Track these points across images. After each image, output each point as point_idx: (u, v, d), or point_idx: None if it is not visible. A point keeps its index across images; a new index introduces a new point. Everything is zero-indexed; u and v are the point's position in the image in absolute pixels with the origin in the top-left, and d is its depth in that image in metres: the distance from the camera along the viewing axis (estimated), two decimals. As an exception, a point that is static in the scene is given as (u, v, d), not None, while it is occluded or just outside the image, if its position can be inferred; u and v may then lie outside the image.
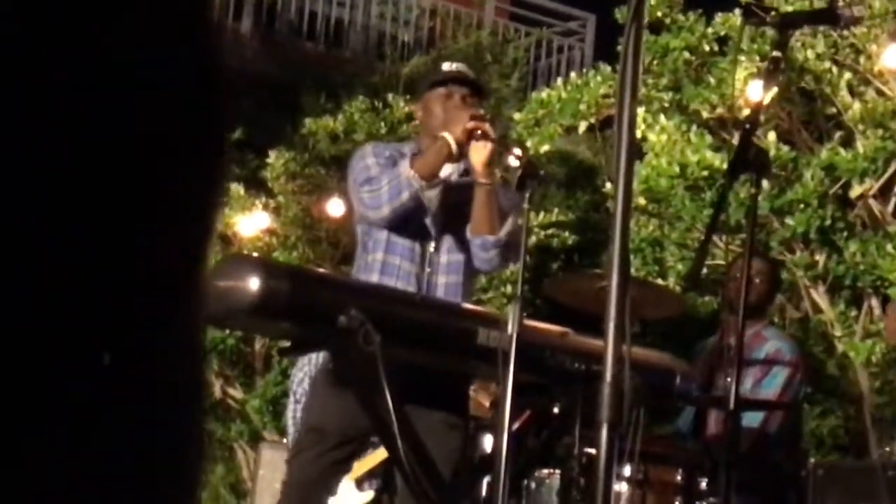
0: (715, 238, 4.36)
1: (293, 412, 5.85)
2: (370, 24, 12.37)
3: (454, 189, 3.99)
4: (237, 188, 8.65)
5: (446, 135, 3.86)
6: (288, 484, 3.96)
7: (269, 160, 8.79)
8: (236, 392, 8.85)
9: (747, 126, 3.04)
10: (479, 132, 3.84)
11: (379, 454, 4.90)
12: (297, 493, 3.92)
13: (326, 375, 4.01)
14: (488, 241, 3.89)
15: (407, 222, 3.93)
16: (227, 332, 8.07)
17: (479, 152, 3.86)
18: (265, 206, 8.61)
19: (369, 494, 5.13)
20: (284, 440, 6.89)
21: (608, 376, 2.43)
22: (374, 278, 3.93)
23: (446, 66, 4.25)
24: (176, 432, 0.62)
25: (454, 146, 3.85)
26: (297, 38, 12.01)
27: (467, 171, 4.03)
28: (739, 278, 5.12)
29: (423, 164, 3.88)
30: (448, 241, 4.00)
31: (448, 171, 3.99)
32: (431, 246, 3.99)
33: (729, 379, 3.16)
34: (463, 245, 3.98)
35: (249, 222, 8.47)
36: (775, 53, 3.02)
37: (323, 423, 3.90)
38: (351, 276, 4.24)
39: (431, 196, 3.88)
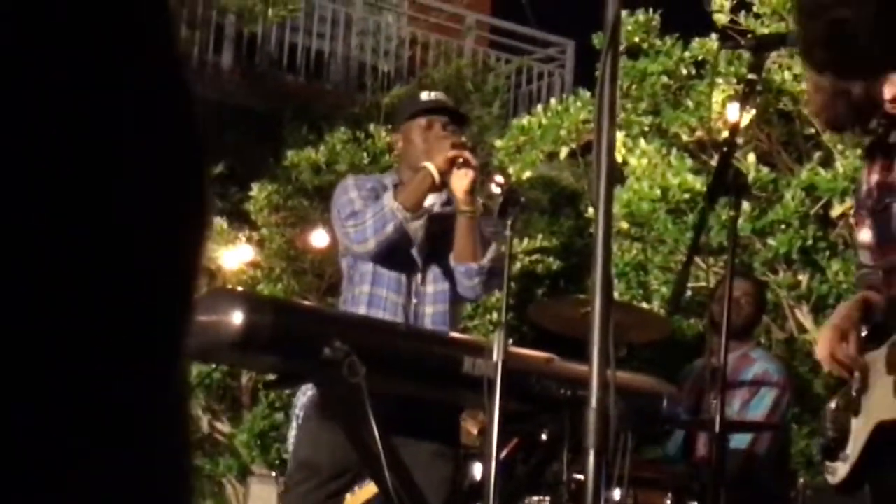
0: (698, 260, 4.36)
1: (295, 437, 5.81)
2: (350, 56, 12.40)
3: (438, 219, 3.99)
4: (220, 222, 8.63)
5: (429, 165, 3.86)
6: None
7: (252, 193, 8.79)
8: (224, 426, 8.81)
9: (725, 148, 3.05)
10: (461, 160, 3.85)
11: (371, 488, 4.87)
12: None
13: (316, 410, 4.00)
14: (472, 268, 3.90)
15: (393, 254, 3.94)
16: (213, 366, 8.04)
17: (461, 180, 3.87)
18: (249, 239, 8.60)
19: None
20: (273, 474, 6.86)
21: (593, 402, 2.43)
22: (362, 310, 3.93)
23: (425, 96, 4.26)
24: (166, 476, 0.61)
25: (436, 176, 3.86)
26: (277, 70, 12.03)
27: (450, 201, 4.04)
28: (724, 300, 5.15)
29: (407, 195, 3.88)
30: (433, 271, 4.01)
31: (431, 201, 4.00)
32: (418, 277, 3.99)
33: (715, 401, 3.16)
34: (448, 274, 3.99)
35: (233, 255, 8.45)
36: (751, 76, 3.04)
37: (314, 458, 3.89)
38: (337, 308, 4.24)
39: (416, 227, 3.89)
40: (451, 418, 4.03)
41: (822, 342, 2.85)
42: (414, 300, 3.96)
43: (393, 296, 3.95)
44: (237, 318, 3.30)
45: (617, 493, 4.20)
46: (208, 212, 0.62)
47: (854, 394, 2.93)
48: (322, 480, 3.82)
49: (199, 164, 0.61)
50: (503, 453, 3.72)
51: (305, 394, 5.63)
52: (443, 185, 3.94)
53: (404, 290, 3.97)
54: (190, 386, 0.66)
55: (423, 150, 3.97)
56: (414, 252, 3.97)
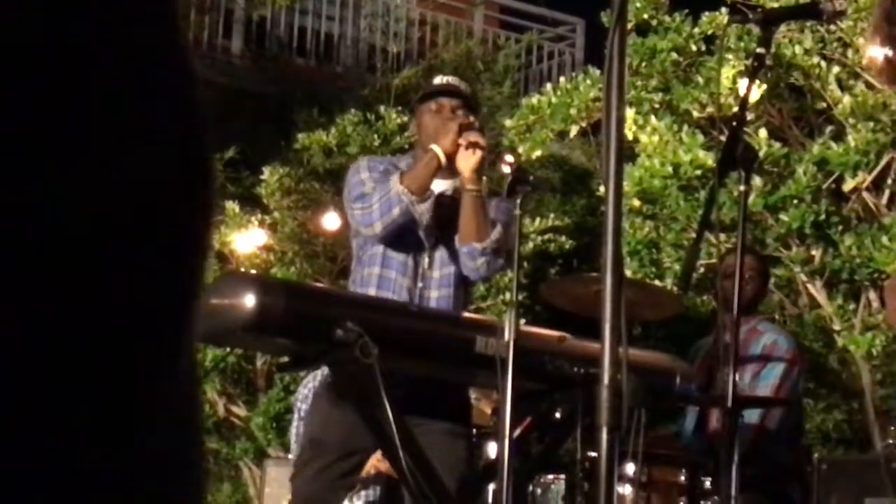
0: (710, 237, 4.35)
1: (296, 429, 5.83)
2: (360, 38, 12.38)
3: (448, 203, 3.99)
4: (232, 206, 8.65)
5: (435, 147, 3.86)
6: (293, 502, 3.96)
7: (264, 176, 8.80)
8: (239, 410, 8.84)
9: (734, 123, 3.04)
10: (470, 141, 3.84)
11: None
12: None
13: (327, 389, 4.01)
14: (475, 248, 3.89)
15: (402, 236, 3.94)
16: (228, 350, 8.07)
17: (468, 159, 3.85)
18: (261, 223, 8.61)
19: None
20: (289, 456, 6.88)
21: (605, 379, 2.43)
22: (371, 292, 3.94)
23: (437, 80, 4.26)
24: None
25: (443, 158, 3.86)
26: (287, 54, 12.02)
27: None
28: (730, 276, 5.14)
29: (413, 178, 3.88)
30: (441, 254, 4.00)
31: (444, 186, 3.99)
32: (425, 261, 3.99)
33: (727, 377, 3.15)
34: (455, 258, 3.98)
35: (246, 239, 8.47)
36: (759, 50, 3.03)
37: (323, 437, 3.90)
38: (348, 289, 4.25)
39: (422, 210, 3.88)
40: (462, 398, 4.04)
41: (891, 302, 2.76)
42: (420, 283, 3.95)
43: (401, 278, 3.95)
44: (249, 301, 3.31)
45: (631, 469, 4.21)
46: (212, 196, 0.61)
47: None
48: (331, 460, 3.83)
49: (202, 147, 0.61)
50: (517, 432, 3.72)
51: (307, 385, 5.66)
52: (452, 168, 3.94)
53: (411, 272, 3.97)
54: (200, 375, 0.66)
55: (432, 132, 3.97)
56: (422, 235, 3.97)
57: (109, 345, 0.56)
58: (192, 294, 0.60)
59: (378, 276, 3.96)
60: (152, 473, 0.58)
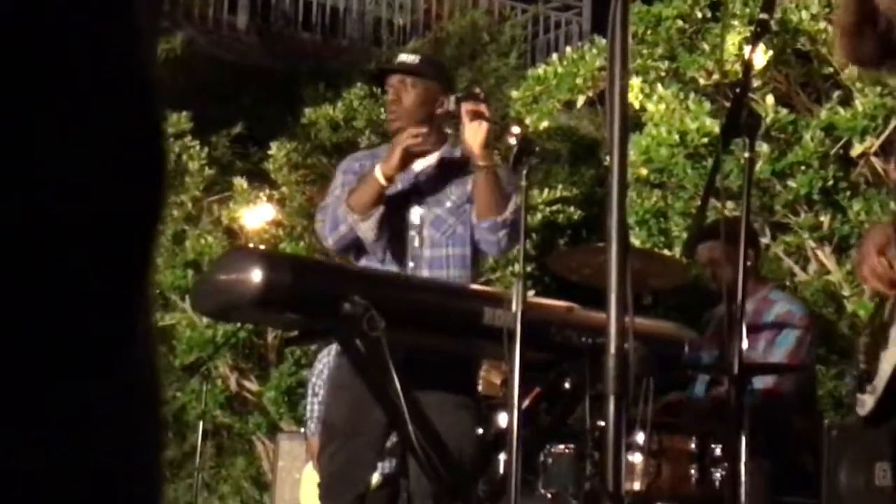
0: (717, 204, 4.34)
1: (311, 405, 5.85)
2: (365, 11, 12.36)
3: (434, 177, 3.97)
4: (240, 181, 8.66)
5: (377, 170, 3.84)
6: (319, 483, 4.00)
7: (271, 152, 8.81)
8: (252, 385, 8.88)
9: (738, 90, 3.03)
10: (470, 110, 3.82)
11: None
12: (325, 491, 3.95)
13: (334, 370, 4.05)
14: (496, 222, 3.85)
15: (382, 221, 3.92)
16: (239, 325, 8.10)
17: (476, 134, 3.82)
18: (269, 198, 8.63)
19: (373, 479, 5.11)
20: (301, 430, 6.91)
21: (612, 348, 2.43)
22: None
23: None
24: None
25: (384, 182, 3.85)
26: (293, 29, 12.01)
27: (448, 161, 4.01)
28: (705, 264, 5.14)
29: (356, 198, 3.88)
30: (430, 233, 3.96)
31: (427, 162, 3.98)
32: (415, 241, 3.96)
33: (744, 344, 3.14)
34: (449, 237, 3.95)
35: (254, 215, 8.49)
36: (762, 15, 3.01)
37: (331, 420, 3.94)
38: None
39: (365, 228, 3.86)
40: (467, 369, 4.04)
41: (861, 260, 2.78)
42: (411, 263, 3.93)
43: (388, 262, 3.94)
44: (256, 276, 3.32)
45: (640, 438, 4.22)
46: (163, 185, 0.61)
47: (886, 320, 2.91)
48: (342, 442, 3.87)
49: (151, 136, 0.60)
50: (526, 403, 3.73)
51: (321, 360, 5.68)
52: (433, 142, 3.96)
53: (399, 255, 3.95)
54: (155, 334, 0.66)
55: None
56: (407, 216, 3.95)
57: (67, 279, 0.56)
58: (139, 275, 0.60)
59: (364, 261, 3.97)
60: (116, 408, 0.59)
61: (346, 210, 3.86)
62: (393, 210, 3.90)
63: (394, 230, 3.93)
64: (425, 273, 3.92)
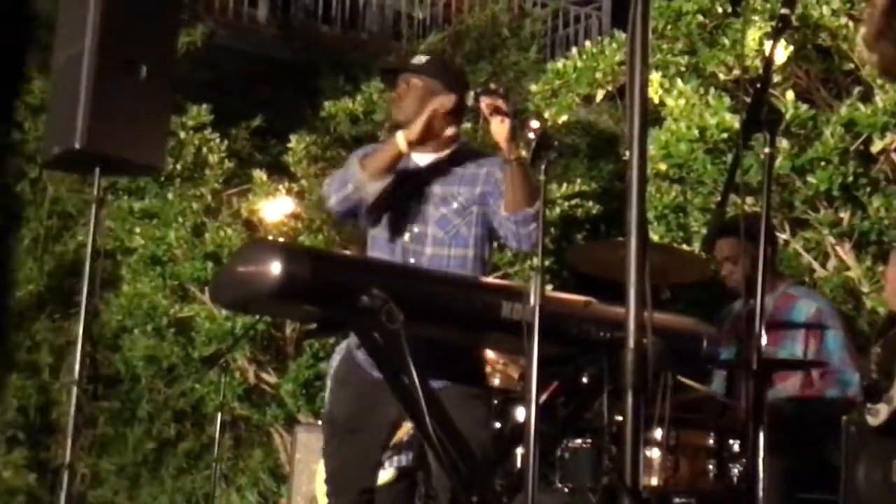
0: (737, 200, 4.34)
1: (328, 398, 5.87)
2: (385, 4, 12.35)
3: (430, 175, 3.98)
4: (260, 174, 8.68)
5: (399, 134, 3.86)
6: (325, 479, 4.02)
7: (291, 145, 8.81)
8: (270, 377, 8.90)
9: (758, 85, 3.03)
10: (489, 105, 3.82)
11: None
12: (329, 486, 3.97)
13: (336, 366, 4.07)
14: (529, 213, 3.84)
15: (381, 217, 3.93)
16: (258, 317, 8.11)
17: (500, 129, 3.81)
18: (289, 191, 8.63)
19: (389, 473, 5.12)
20: (319, 422, 6.93)
21: (631, 342, 2.43)
22: None
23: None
24: None
25: (404, 147, 3.86)
26: (313, 21, 12.00)
27: (459, 161, 4.02)
28: (721, 261, 5.14)
29: (371, 159, 3.90)
30: (433, 230, 3.96)
31: (428, 159, 3.98)
32: (414, 239, 3.96)
33: (763, 341, 3.13)
34: (454, 236, 3.95)
35: (274, 207, 8.50)
36: (783, 10, 3.01)
37: (333, 415, 3.97)
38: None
39: (371, 189, 3.87)
40: (476, 359, 4.04)
41: (891, 278, 2.77)
42: (411, 260, 3.94)
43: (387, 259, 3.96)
44: (275, 268, 3.33)
45: (659, 433, 4.22)
46: None
47: None
48: (344, 438, 3.88)
49: None
50: (544, 397, 3.73)
51: (340, 353, 5.70)
52: (435, 142, 3.96)
53: (399, 254, 3.96)
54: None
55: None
56: (413, 221, 3.95)
57: None
58: None
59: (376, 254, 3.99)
60: None
61: (357, 168, 3.88)
62: (399, 205, 3.92)
63: (398, 225, 3.94)
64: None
